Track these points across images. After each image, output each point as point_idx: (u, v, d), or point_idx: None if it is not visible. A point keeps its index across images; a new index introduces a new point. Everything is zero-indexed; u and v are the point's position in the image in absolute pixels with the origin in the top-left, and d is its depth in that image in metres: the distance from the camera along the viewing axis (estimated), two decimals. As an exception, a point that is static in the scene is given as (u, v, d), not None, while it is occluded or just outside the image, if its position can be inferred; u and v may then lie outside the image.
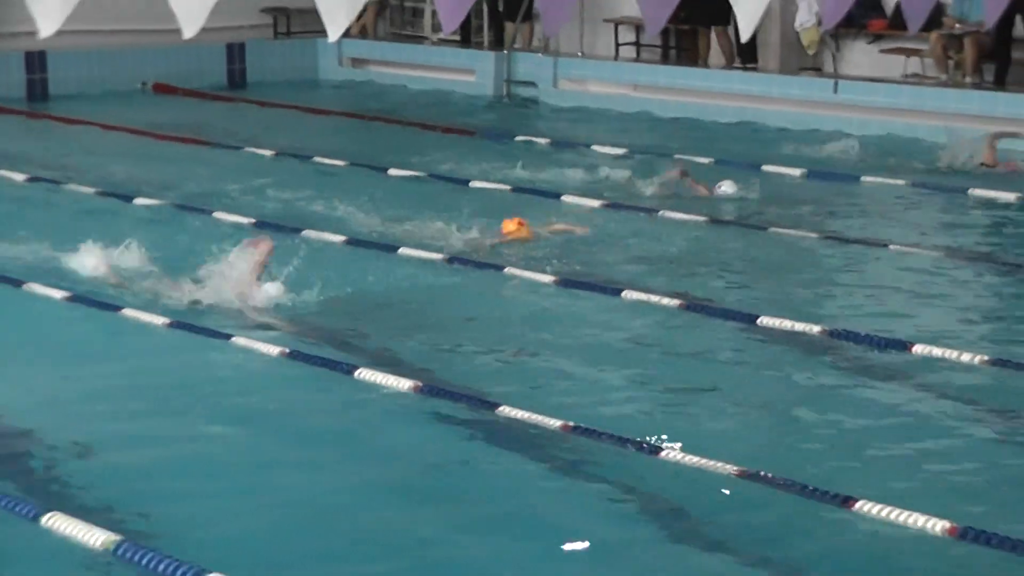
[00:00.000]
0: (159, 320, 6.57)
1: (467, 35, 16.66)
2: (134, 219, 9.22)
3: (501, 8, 15.87)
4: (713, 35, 14.31)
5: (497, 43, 16.21)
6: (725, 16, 12.01)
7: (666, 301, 7.22)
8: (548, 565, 4.26)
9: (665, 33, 15.09)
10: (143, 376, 5.95)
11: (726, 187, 10.18)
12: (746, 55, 14.66)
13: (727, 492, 4.78)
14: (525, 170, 10.88)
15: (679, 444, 5.01)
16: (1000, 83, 13.10)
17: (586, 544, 4.29)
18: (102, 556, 4.04)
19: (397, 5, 16.87)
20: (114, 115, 13.10)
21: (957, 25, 13.13)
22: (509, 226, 8.78)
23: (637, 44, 15.55)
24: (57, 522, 4.12)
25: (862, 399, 5.80)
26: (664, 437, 5.08)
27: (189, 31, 4.54)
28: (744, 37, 8.38)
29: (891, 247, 8.90)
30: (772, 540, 4.38)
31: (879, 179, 10.84)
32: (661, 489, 4.84)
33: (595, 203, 9.74)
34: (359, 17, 15.81)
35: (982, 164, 11.13)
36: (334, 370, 6.03)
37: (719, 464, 4.74)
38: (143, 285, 7.17)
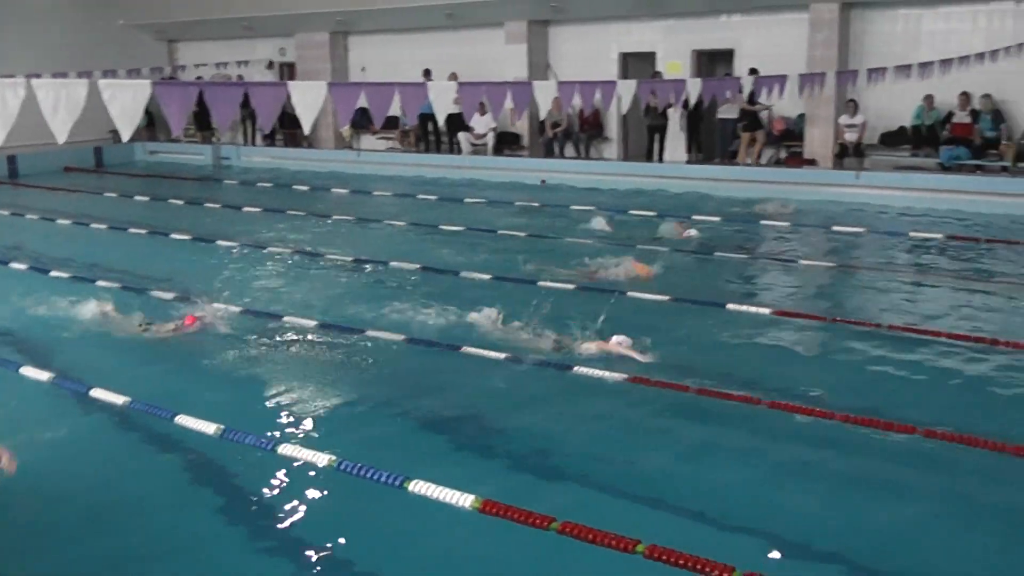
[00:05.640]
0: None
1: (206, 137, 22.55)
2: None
3: (205, 122, 22.63)
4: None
5: (209, 140, 23.46)
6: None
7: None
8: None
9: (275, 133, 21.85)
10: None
11: (693, 231, 11.63)
12: (312, 141, 21.76)
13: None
14: (227, 195, 17.06)
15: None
16: (428, 152, 20.75)
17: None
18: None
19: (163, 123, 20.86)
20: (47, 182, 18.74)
21: (405, 126, 20.94)
22: (639, 269, 9.08)
23: (272, 135, 22.63)
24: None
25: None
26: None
27: (60, 139, 5.82)
28: (306, 132, 9.37)
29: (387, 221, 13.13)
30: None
31: (383, 193, 16.02)
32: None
33: (256, 209, 14.41)
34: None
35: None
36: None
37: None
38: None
